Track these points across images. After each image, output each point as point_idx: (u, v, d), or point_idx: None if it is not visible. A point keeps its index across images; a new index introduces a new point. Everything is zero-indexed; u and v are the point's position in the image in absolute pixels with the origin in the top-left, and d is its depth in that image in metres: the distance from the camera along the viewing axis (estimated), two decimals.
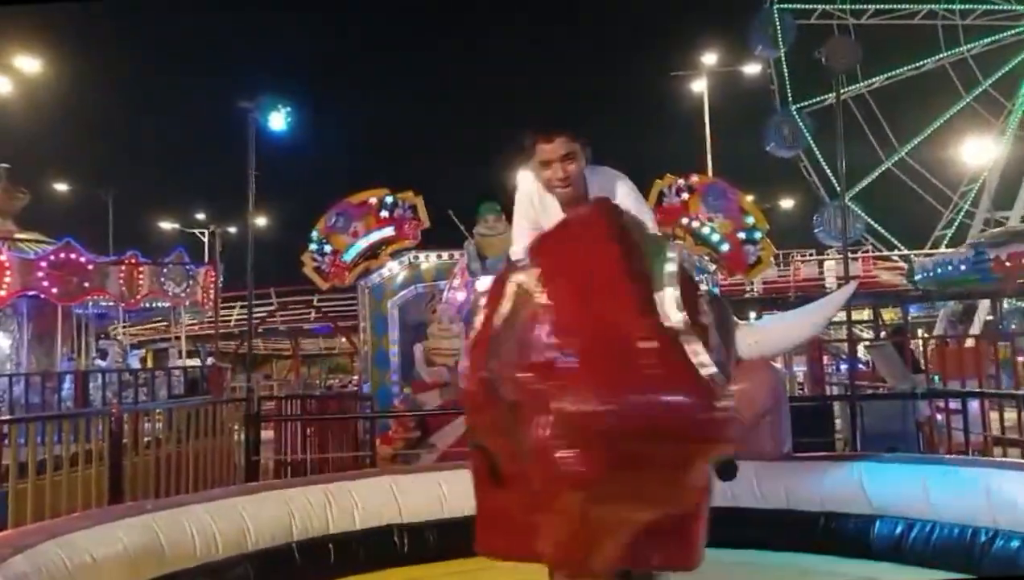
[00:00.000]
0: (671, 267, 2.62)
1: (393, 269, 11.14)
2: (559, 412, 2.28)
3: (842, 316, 10.37)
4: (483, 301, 2.84)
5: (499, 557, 2.93)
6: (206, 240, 32.16)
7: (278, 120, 8.89)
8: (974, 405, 8.65)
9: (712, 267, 11.16)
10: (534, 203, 3.38)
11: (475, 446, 2.75)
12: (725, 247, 11.11)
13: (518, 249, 3.24)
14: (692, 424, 2.34)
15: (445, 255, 11.16)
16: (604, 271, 2.55)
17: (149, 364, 25.69)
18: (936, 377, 10.12)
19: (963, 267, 16.37)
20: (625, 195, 3.28)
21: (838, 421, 9.71)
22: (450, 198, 12.31)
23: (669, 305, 2.52)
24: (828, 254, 28.05)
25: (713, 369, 2.43)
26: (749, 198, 12.11)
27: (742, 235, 11.19)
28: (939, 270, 17.53)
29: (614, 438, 2.26)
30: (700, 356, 2.43)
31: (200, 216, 34.53)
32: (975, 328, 25.39)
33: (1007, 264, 16.05)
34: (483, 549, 2.90)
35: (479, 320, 2.80)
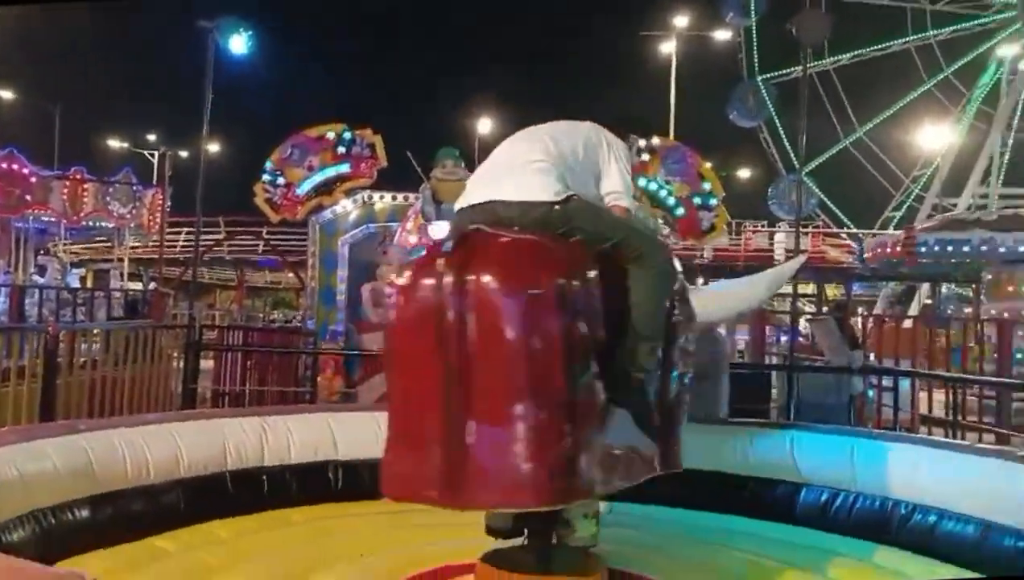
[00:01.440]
0: None
1: (347, 206, 10.99)
2: None
3: (788, 289, 10.56)
4: None
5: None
6: (155, 162, 31.32)
7: (239, 43, 8.64)
8: (905, 384, 8.92)
9: (666, 230, 11.23)
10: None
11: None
12: (680, 211, 11.18)
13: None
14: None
15: (400, 197, 11.04)
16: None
17: (89, 284, 25.11)
18: (871, 354, 10.39)
19: (966, 248, 16.48)
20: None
21: (775, 390, 9.93)
22: (409, 139, 12.15)
23: None
24: (779, 227, 28.44)
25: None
26: (708, 164, 12.18)
27: (698, 200, 11.27)
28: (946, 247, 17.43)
29: None
30: None
31: (151, 137, 33.61)
32: (914, 310, 26.07)
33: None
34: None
35: None
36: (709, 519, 4.68)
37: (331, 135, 10.93)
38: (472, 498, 2.79)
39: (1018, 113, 33.08)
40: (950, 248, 16.43)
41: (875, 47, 34.22)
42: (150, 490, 4.10)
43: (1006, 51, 31.84)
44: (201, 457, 4.38)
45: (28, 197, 13.27)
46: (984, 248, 15.94)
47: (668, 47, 29.80)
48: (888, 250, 18.01)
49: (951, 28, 33.70)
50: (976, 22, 33.41)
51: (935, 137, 32.60)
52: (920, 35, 34.00)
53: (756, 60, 33.28)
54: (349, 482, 4.81)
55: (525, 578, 3.14)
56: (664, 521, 4.61)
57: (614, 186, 3.27)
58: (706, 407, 5.11)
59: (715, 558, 4.09)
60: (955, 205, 31.24)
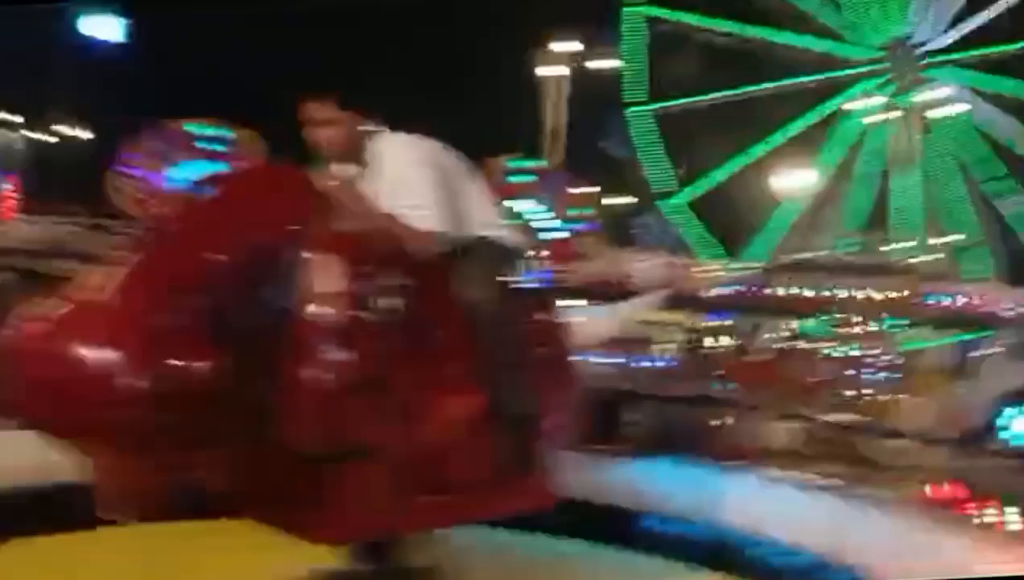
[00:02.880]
0: None
1: None
2: None
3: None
4: None
5: None
6: None
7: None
8: None
9: (543, 254, 11.36)
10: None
11: None
12: (555, 235, 11.34)
13: None
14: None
15: None
16: None
17: None
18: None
19: None
20: (398, 160, 3.22)
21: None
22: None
23: None
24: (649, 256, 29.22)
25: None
26: (585, 190, 12.41)
27: (573, 226, 11.46)
28: None
29: None
30: None
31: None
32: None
33: None
34: None
35: None
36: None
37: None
38: None
39: (869, 164, 35.28)
40: None
41: (741, 89, 35.52)
42: None
43: (861, 104, 33.99)
44: None
45: None
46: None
47: (553, 70, 30.32)
48: None
49: (813, 78, 35.47)
50: (836, 73, 35.34)
51: (794, 183, 34.24)
52: (784, 81, 35.64)
53: (633, 92, 34.10)
54: None
55: None
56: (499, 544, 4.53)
57: None
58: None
59: None
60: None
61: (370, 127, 3.26)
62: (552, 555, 4.47)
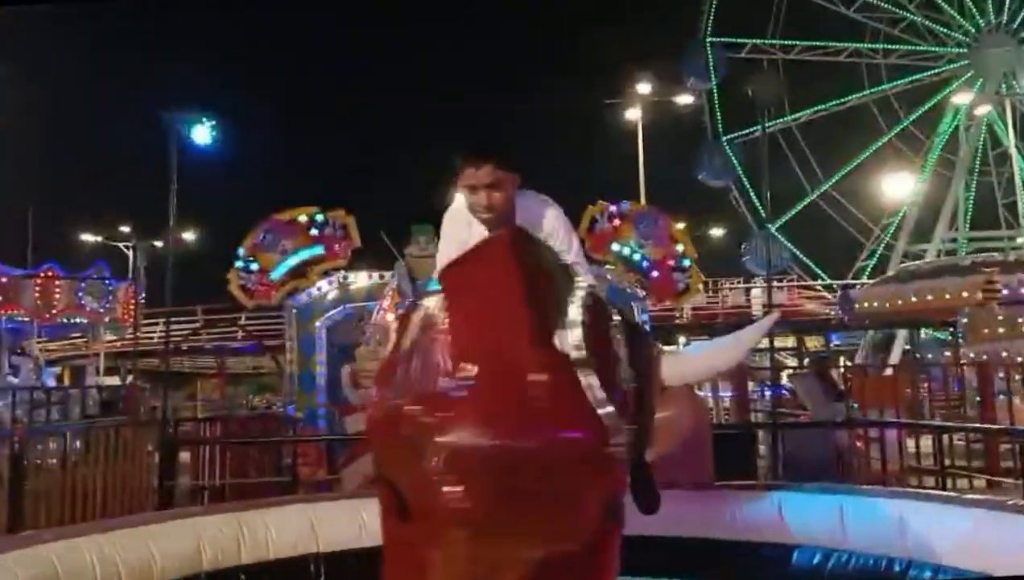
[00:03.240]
0: (578, 297, 2.61)
1: (323, 288, 10.96)
2: (443, 446, 2.24)
3: (766, 343, 10.57)
4: (395, 327, 2.79)
5: None
6: (130, 254, 31.26)
7: (202, 133, 8.69)
8: (891, 434, 8.87)
9: (642, 293, 11.26)
10: (462, 226, 3.29)
11: (380, 477, 2.66)
12: (655, 274, 11.23)
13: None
14: (579, 460, 2.29)
15: (376, 275, 11.02)
16: (503, 299, 2.50)
17: (66, 381, 24.75)
18: (855, 405, 10.36)
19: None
20: (550, 221, 3.27)
21: (762, 447, 9.85)
22: (381, 218, 12.20)
23: (570, 337, 2.49)
24: (755, 282, 28.66)
25: (608, 408, 2.39)
26: (679, 226, 12.30)
27: (671, 262, 11.33)
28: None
29: (500, 472, 2.21)
30: (595, 392, 2.40)
31: (125, 228, 33.59)
32: (894, 357, 26.18)
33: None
34: None
35: (389, 347, 2.75)
36: None
37: (303, 218, 10.95)
38: None
39: (978, 158, 33.87)
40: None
41: (834, 102, 35.04)
42: None
43: (961, 99, 32.70)
44: (175, 560, 4.24)
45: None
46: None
47: (633, 113, 30.38)
48: (950, 296, 17.50)
49: (907, 80, 34.62)
50: (929, 72, 34.37)
51: (900, 186, 33.19)
52: (877, 88, 34.90)
53: (720, 121, 33.97)
54: (331, 574, 4.67)
55: None
56: None
57: None
58: (684, 472, 5.02)
59: None
60: (925, 251, 31.68)
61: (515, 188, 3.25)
62: None
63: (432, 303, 2.66)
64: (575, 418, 2.31)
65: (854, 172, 35.29)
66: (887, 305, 18.03)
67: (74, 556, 3.85)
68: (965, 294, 16.56)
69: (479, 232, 3.26)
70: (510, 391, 2.29)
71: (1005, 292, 16.25)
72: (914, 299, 17.40)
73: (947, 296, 16.94)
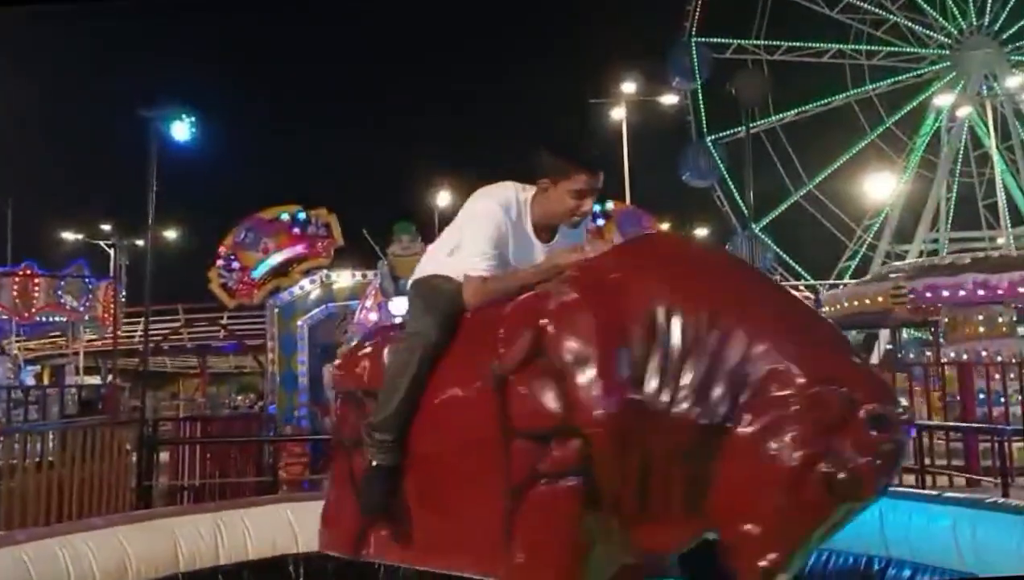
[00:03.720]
0: None
1: (305, 287, 10.91)
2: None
3: None
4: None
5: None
6: (112, 253, 30.99)
7: (181, 130, 8.61)
8: None
9: None
10: (511, 221, 3.07)
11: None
12: None
13: (478, 264, 3.00)
14: None
15: (359, 275, 10.98)
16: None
17: (46, 381, 24.53)
18: None
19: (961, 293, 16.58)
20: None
21: None
22: (366, 216, 12.16)
23: None
24: None
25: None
26: (663, 226, 12.33)
27: None
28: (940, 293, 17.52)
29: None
30: None
31: (106, 227, 33.30)
32: (875, 357, 26.33)
33: (927, 295, 16.68)
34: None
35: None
36: None
37: (285, 216, 10.91)
38: None
39: (960, 159, 34.12)
40: (945, 293, 16.45)
41: (817, 103, 35.18)
42: None
43: (943, 100, 32.94)
44: (151, 561, 4.19)
45: None
46: (980, 291, 16.04)
47: (617, 113, 30.40)
48: (869, 301, 18.00)
49: (889, 81, 34.83)
50: (912, 74, 34.60)
51: (882, 186, 33.40)
52: (860, 89, 35.07)
53: (704, 121, 34.04)
54: (311, 574, 4.63)
55: None
56: None
57: (461, 254, 3.12)
58: None
59: None
60: (907, 252, 31.89)
61: None
62: None
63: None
64: None
65: (837, 173, 35.47)
66: (855, 304, 18.28)
67: (47, 557, 3.80)
68: (880, 300, 17.34)
69: (524, 236, 3.10)
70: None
71: (912, 296, 16.67)
72: (867, 301, 17.85)
73: (867, 301, 17.74)
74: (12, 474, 6.05)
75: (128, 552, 4.11)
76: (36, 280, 14.00)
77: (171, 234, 32.48)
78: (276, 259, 10.89)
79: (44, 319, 14.77)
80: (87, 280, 14.91)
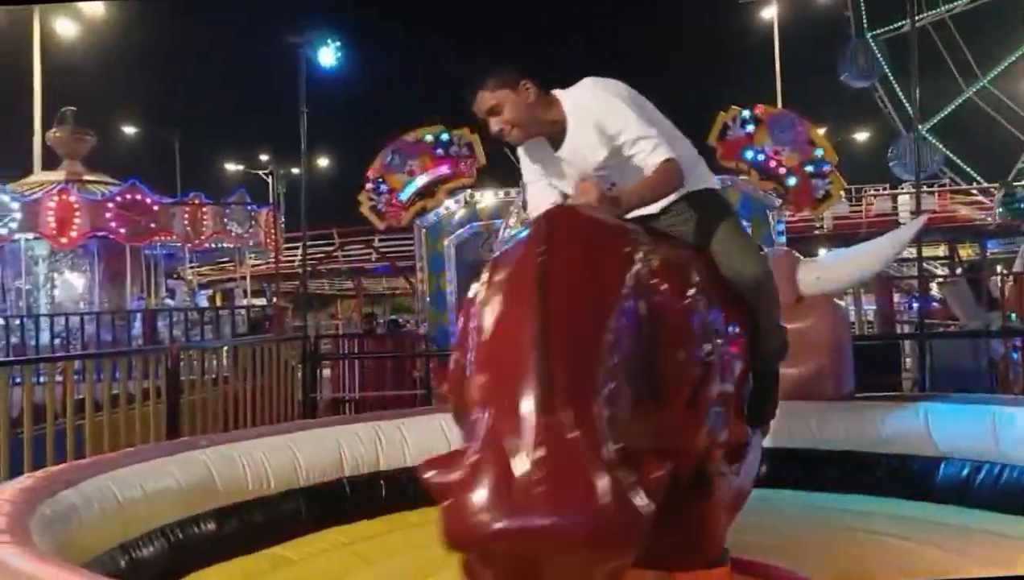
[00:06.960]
0: (632, 278, 2.38)
1: (450, 207, 11.06)
2: (443, 519, 1.91)
3: (913, 252, 9.99)
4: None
5: None
6: (270, 181, 32.51)
7: (328, 55, 8.76)
8: None
9: (778, 202, 10.80)
10: (529, 149, 3.12)
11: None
12: (792, 181, 10.73)
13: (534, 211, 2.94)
14: (582, 543, 1.87)
15: (502, 193, 11.03)
16: (520, 338, 2.09)
17: (218, 303, 26.30)
18: (1012, 314, 9.70)
19: None
20: (596, 105, 2.91)
21: (908, 360, 9.41)
22: None
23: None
24: (903, 188, 27.05)
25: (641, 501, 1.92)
26: (818, 130, 11.66)
27: (810, 168, 10.78)
28: None
29: (497, 555, 1.88)
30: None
31: (264, 157, 34.88)
32: None
33: None
34: None
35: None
36: (839, 500, 4.45)
37: (429, 137, 11.02)
38: None
39: None
40: None
41: None
42: (270, 500, 4.20)
43: None
44: (318, 466, 4.46)
45: (153, 225, 13.98)
46: None
47: (768, 11, 28.77)
48: None
49: None
50: None
51: None
52: None
53: (864, 16, 31.76)
54: None
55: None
56: (790, 505, 4.40)
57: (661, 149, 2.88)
58: (825, 384, 4.81)
59: (846, 541, 3.87)
60: None
61: (541, 94, 2.94)
62: (850, 513, 4.23)
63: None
64: (574, 502, 1.88)
65: (1015, 66, 32.44)
66: None
67: (227, 460, 4.11)
68: None
69: (546, 150, 3.05)
70: (512, 466, 1.90)
71: None
72: None
73: None
74: (192, 388, 6.54)
75: (298, 457, 4.38)
76: (204, 209, 14.85)
77: (323, 161, 33.67)
78: (422, 181, 11.05)
79: (212, 246, 15.70)
80: (249, 207, 15.70)
